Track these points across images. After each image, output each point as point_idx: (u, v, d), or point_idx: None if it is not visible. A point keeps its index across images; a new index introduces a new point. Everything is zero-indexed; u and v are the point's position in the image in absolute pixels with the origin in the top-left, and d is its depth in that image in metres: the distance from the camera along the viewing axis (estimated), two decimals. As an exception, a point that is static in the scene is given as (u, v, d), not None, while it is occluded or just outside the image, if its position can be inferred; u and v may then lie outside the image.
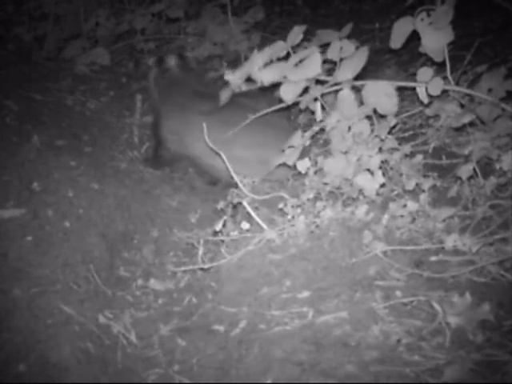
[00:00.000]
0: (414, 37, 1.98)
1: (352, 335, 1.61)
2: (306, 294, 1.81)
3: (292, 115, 2.99)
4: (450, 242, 1.81)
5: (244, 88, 2.06)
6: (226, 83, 2.11)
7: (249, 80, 2.06)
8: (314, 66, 2.01)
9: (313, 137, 2.38)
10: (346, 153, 2.05)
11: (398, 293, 1.72)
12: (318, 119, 2.19)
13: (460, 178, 2.02)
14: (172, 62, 2.97)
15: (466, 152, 2.07)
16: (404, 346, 1.55)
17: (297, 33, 2.05)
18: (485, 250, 1.78)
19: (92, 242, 2.18)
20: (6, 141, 2.54)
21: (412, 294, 1.70)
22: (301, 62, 2.03)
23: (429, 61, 2.15)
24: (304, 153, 2.23)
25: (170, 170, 2.89)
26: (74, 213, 2.24)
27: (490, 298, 1.63)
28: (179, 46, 3.66)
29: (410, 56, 3.02)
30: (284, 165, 2.21)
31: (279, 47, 2.04)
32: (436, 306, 1.63)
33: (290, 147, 2.17)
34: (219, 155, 2.24)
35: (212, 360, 1.72)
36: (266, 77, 2.01)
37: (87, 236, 2.18)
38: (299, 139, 2.16)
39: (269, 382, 1.54)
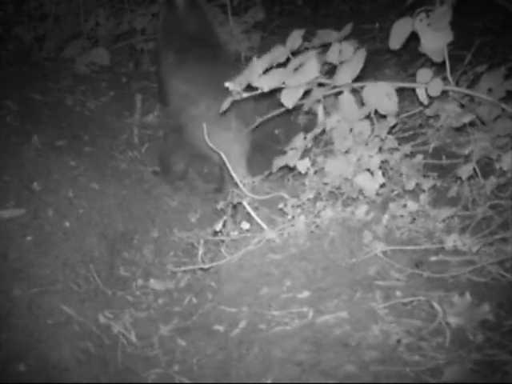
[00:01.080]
0: (414, 37, 1.98)
1: (352, 335, 1.61)
2: (306, 293, 1.81)
3: (292, 116, 2.99)
4: (450, 242, 1.81)
5: (245, 95, 2.06)
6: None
7: (249, 87, 2.07)
8: (311, 70, 2.03)
9: (314, 138, 2.38)
10: (346, 152, 2.06)
11: (398, 293, 1.72)
12: (320, 121, 2.20)
13: (460, 178, 2.02)
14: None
15: (466, 152, 2.07)
16: (404, 346, 1.55)
17: (296, 37, 2.06)
18: (485, 250, 1.78)
19: (92, 242, 2.17)
20: (6, 141, 2.53)
21: (412, 293, 1.70)
22: (300, 66, 2.04)
23: (429, 61, 2.15)
24: (304, 153, 2.23)
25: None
26: (74, 213, 2.24)
27: (490, 298, 1.63)
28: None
29: (410, 56, 3.02)
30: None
31: (279, 52, 2.06)
32: (436, 305, 1.62)
33: (292, 149, 2.18)
34: (219, 155, 2.24)
35: (212, 360, 1.72)
36: (265, 83, 2.02)
37: (87, 236, 2.18)
38: (301, 141, 2.17)
39: (269, 382, 1.54)
